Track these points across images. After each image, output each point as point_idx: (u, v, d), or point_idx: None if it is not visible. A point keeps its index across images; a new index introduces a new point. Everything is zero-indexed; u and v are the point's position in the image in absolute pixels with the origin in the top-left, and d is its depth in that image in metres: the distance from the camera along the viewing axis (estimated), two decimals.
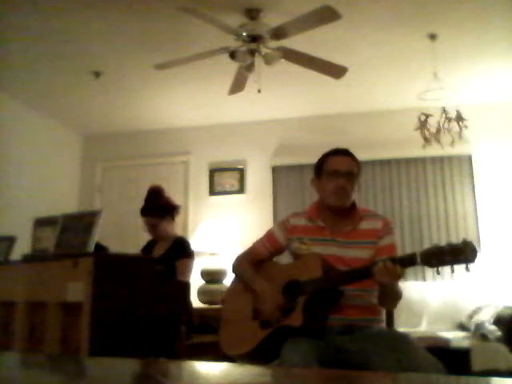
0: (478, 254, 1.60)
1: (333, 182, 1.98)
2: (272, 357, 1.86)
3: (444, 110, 3.79)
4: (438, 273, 1.65)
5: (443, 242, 1.66)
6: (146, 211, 3.30)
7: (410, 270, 4.14)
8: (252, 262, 2.14)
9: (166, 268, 3.04)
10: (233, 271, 2.23)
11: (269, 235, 2.17)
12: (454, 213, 4.76)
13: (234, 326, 2.05)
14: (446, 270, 1.65)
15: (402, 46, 3.84)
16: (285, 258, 2.25)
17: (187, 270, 3.15)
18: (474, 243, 1.62)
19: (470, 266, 1.59)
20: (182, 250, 3.21)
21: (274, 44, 3.37)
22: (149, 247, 3.40)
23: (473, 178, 4.78)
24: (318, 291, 1.85)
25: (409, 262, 1.74)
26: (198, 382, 0.88)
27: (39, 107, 4.99)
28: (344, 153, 2.05)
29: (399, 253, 2.02)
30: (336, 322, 1.88)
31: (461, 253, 1.60)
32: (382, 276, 1.71)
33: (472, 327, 3.72)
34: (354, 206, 2.06)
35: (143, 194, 3.47)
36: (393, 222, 2.12)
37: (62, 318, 2.24)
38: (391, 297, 1.93)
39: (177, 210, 3.37)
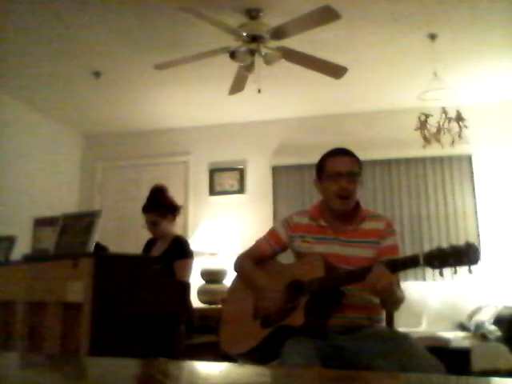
0: (481, 256, 1.60)
1: (335, 185, 1.98)
2: (272, 356, 1.86)
3: (444, 110, 3.79)
4: (441, 274, 1.64)
5: (444, 242, 1.67)
6: (148, 208, 3.31)
7: (410, 271, 4.13)
8: (255, 260, 2.14)
9: (165, 268, 3.04)
10: (234, 269, 2.22)
11: (272, 232, 2.16)
12: (453, 213, 4.75)
13: (234, 324, 2.04)
14: (448, 270, 1.65)
15: (401, 46, 3.84)
16: (284, 259, 2.24)
17: (186, 270, 3.14)
18: (475, 243, 1.62)
19: (473, 267, 1.59)
20: (180, 251, 3.21)
21: (273, 44, 3.37)
22: (148, 246, 3.40)
23: (473, 177, 4.78)
24: (320, 291, 1.85)
25: (411, 263, 1.74)
26: (198, 382, 0.88)
27: (39, 107, 4.99)
28: (343, 153, 2.04)
29: (399, 253, 2.03)
30: (336, 321, 1.88)
31: (464, 255, 1.59)
32: (373, 285, 1.69)
33: (472, 327, 3.72)
34: (357, 205, 2.06)
35: (143, 194, 3.48)
36: (395, 223, 2.12)
37: (62, 318, 2.24)
38: (390, 303, 1.93)
39: (179, 210, 3.38)
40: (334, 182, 1.98)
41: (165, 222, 3.28)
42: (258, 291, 2.00)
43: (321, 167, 2.06)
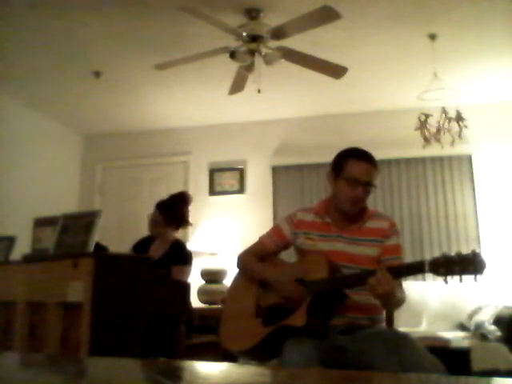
0: (487, 266, 1.58)
1: (350, 190, 1.95)
2: (273, 354, 1.86)
3: (444, 110, 3.79)
4: (446, 282, 1.64)
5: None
6: (160, 206, 3.31)
7: None
8: (257, 257, 2.13)
9: (163, 271, 3.03)
10: (238, 266, 2.20)
11: (275, 229, 2.16)
12: (453, 213, 4.75)
13: (235, 321, 2.04)
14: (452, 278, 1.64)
15: (401, 45, 3.84)
16: (285, 256, 2.24)
17: (183, 276, 3.11)
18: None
19: (478, 277, 1.58)
20: (179, 256, 3.19)
21: (273, 44, 3.37)
22: (144, 245, 3.37)
23: (473, 177, 4.78)
24: (323, 292, 1.85)
25: (416, 269, 1.75)
26: (198, 382, 0.88)
27: (39, 107, 4.99)
28: (367, 159, 1.99)
29: (402, 253, 2.03)
30: (337, 321, 1.88)
31: (470, 264, 1.59)
32: (374, 289, 1.70)
33: (472, 327, 3.72)
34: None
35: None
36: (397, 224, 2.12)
37: (61, 318, 2.24)
38: (390, 305, 1.94)
39: (185, 225, 3.38)
40: (351, 188, 1.95)
41: (166, 227, 3.28)
42: (268, 283, 2.00)
43: (340, 165, 2.01)
